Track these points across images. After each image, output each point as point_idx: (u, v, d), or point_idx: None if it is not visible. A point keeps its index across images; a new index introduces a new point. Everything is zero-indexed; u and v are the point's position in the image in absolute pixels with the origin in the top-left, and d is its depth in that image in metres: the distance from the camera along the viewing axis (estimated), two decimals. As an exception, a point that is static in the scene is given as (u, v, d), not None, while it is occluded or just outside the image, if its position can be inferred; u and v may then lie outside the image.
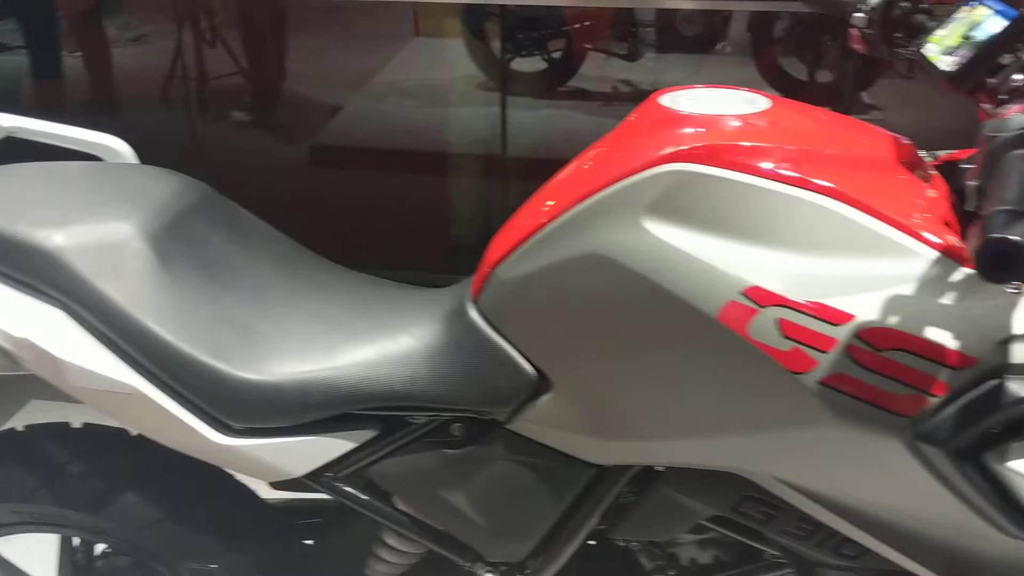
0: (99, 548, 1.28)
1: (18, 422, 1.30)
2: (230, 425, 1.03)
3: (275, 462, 1.05)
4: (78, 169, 1.21)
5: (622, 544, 1.14)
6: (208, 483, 1.21)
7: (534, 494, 1.05)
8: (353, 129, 4.51)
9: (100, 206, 1.09)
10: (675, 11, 4.24)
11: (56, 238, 1.02)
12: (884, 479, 0.87)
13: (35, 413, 1.33)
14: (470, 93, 5.27)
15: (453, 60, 5.52)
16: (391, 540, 1.14)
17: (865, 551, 0.96)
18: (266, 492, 1.24)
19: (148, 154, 1.35)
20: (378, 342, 1.05)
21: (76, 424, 1.23)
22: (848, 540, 0.96)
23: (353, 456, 1.07)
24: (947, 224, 0.87)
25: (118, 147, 1.30)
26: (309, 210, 3.52)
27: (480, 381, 1.01)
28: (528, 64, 4.79)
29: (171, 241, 1.06)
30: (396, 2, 5.25)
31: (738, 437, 0.91)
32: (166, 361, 1.01)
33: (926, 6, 1.04)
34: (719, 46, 4.36)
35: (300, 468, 1.06)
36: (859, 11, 1.09)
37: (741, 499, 0.99)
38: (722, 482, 0.98)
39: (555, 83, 4.86)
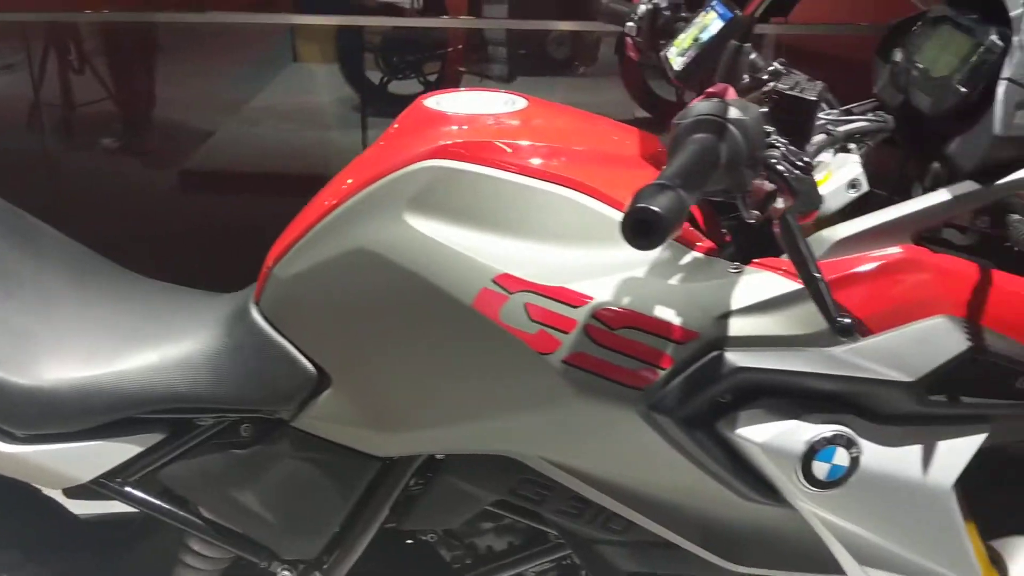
0: None
1: None
2: (12, 433, 1.03)
3: (61, 468, 1.05)
4: None
5: (421, 537, 1.17)
6: (9, 495, 1.19)
7: (323, 490, 1.07)
8: (225, 154, 4.46)
9: None
10: (547, 33, 4.36)
11: None
12: (628, 451, 0.92)
13: None
14: (346, 116, 5.28)
15: (330, 84, 5.53)
16: (194, 545, 1.14)
17: (630, 525, 1.01)
18: (80, 506, 1.24)
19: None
20: (161, 346, 1.06)
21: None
22: (615, 515, 1.01)
23: (141, 460, 1.07)
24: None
25: None
26: (177, 234, 3.47)
27: (262, 380, 1.03)
28: (405, 87, 4.84)
29: None
30: (275, 28, 5.24)
31: (502, 420, 0.96)
32: None
33: (684, 14, 1.12)
34: (589, 68, 4.49)
35: (86, 473, 1.06)
36: (631, 21, 1.16)
37: (517, 482, 1.03)
38: (499, 467, 1.02)
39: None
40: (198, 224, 3.88)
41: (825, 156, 0.91)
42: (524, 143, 0.96)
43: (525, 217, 0.92)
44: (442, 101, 1.04)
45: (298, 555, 1.11)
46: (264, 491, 1.07)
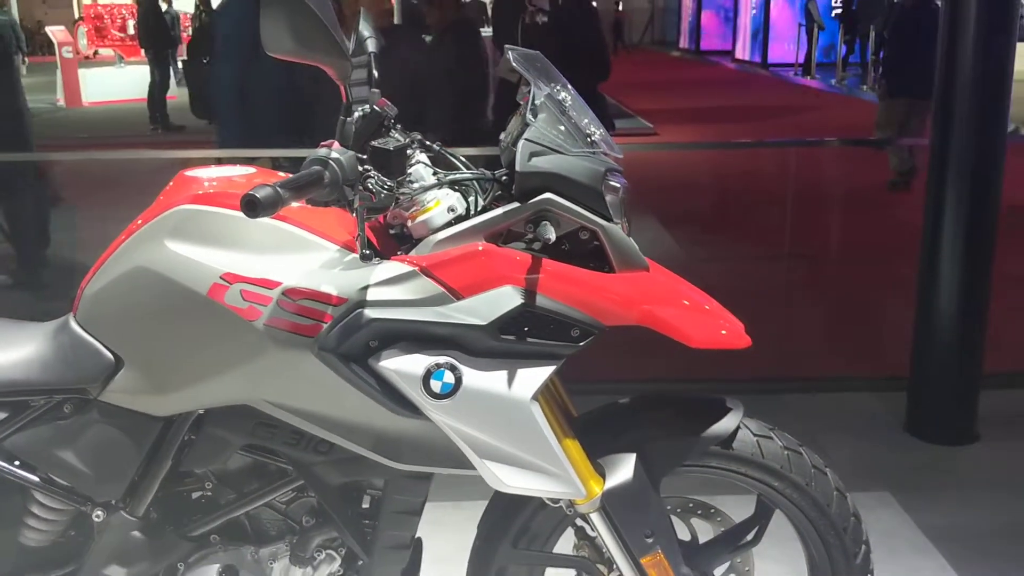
0: None
1: None
2: None
3: None
4: None
5: (199, 490, 1.60)
6: None
7: (124, 446, 1.51)
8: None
9: None
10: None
11: None
12: (313, 384, 1.40)
13: None
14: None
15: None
16: (39, 499, 1.55)
17: (332, 446, 1.48)
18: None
19: None
20: (5, 349, 1.52)
21: None
22: (320, 440, 1.48)
23: None
24: (351, 232, 1.45)
25: None
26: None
27: (77, 368, 1.49)
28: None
29: None
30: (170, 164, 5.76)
31: (231, 376, 1.43)
32: None
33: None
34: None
35: None
36: None
37: (254, 426, 1.49)
38: (241, 415, 1.48)
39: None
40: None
41: (439, 192, 1.45)
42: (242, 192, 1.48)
43: (240, 237, 1.43)
44: (198, 171, 1.56)
45: (106, 497, 1.54)
46: (82, 451, 1.51)
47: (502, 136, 1.59)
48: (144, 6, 11.84)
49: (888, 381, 3.63)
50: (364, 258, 1.38)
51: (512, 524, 1.63)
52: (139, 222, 1.49)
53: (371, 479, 1.55)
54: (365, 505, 1.61)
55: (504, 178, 1.48)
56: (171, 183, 1.57)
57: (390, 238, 1.51)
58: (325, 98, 3.68)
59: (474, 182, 1.48)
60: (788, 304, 4.29)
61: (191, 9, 14.14)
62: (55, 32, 14.26)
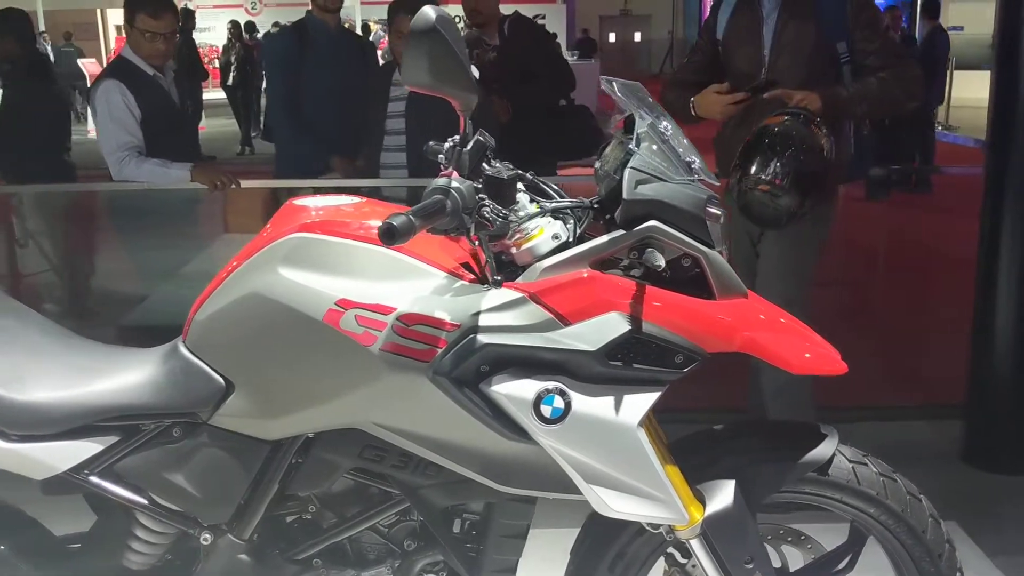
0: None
1: None
2: (9, 434, 1.49)
3: (44, 460, 1.50)
4: None
5: (304, 513, 1.62)
6: None
7: (232, 469, 1.54)
8: (158, 311, 4.91)
9: None
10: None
11: None
12: (425, 408, 1.42)
13: None
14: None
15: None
16: (143, 522, 1.58)
17: (440, 468, 1.50)
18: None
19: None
20: (117, 375, 1.55)
21: None
22: (428, 463, 1.49)
23: (102, 456, 1.53)
24: (458, 259, 1.48)
25: None
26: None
27: (187, 393, 1.52)
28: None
29: None
30: (212, 204, 5.83)
31: (345, 400, 1.46)
32: None
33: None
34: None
35: (64, 464, 1.51)
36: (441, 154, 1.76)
37: (362, 448, 1.51)
38: (349, 439, 1.51)
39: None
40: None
41: (542, 221, 1.48)
42: (355, 221, 1.51)
43: (353, 265, 1.46)
44: (305, 201, 1.59)
45: (216, 520, 1.56)
46: (190, 475, 1.54)
47: (596, 165, 1.62)
48: (180, 40, 12.05)
49: (940, 408, 3.61)
50: (495, 284, 1.40)
51: (608, 550, 1.64)
52: (248, 250, 1.53)
53: (471, 503, 1.57)
54: (456, 529, 1.62)
55: (596, 205, 1.52)
56: (279, 212, 1.60)
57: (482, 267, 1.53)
58: (370, 123, 3.79)
59: (571, 210, 1.52)
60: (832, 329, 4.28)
61: (214, 41, 14.37)
62: (87, 64, 14.51)
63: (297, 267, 1.46)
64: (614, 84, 1.54)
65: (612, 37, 28.49)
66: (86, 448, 1.52)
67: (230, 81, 12.86)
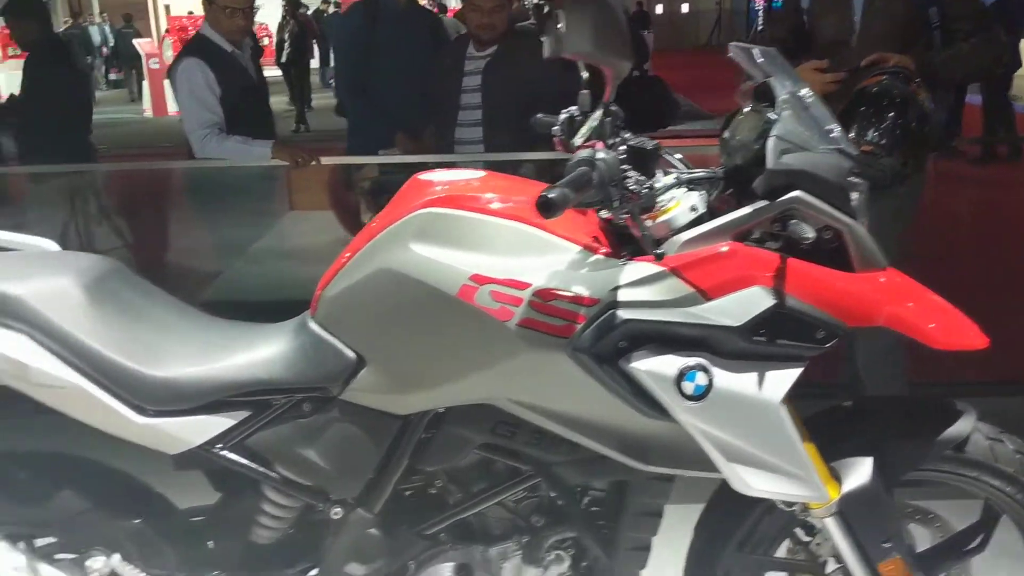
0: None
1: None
2: (145, 408, 1.50)
3: (179, 435, 1.51)
4: (23, 253, 1.71)
5: (430, 488, 1.62)
6: (116, 480, 1.65)
7: (362, 444, 1.53)
8: (233, 287, 4.97)
9: (45, 270, 1.58)
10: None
11: (18, 288, 1.51)
12: (562, 384, 1.40)
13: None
14: (337, 253, 5.87)
15: (323, 228, 6.15)
16: (272, 497, 1.58)
17: (574, 446, 1.48)
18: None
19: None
20: (247, 350, 1.55)
21: (20, 451, 1.67)
22: (562, 440, 1.48)
23: (234, 430, 1.53)
24: (588, 233, 1.46)
25: (49, 246, 1.79)
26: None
27: (317, 368, 1.51)
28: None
29: (95, 289, 1.55)
30: (273, 181, 5.87)
31: (479, 375, 1.44)
32: (98, 365, 1.48)
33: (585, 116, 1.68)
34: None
35: (197, 439, 1.52)
36: (556, 126, 1.73)
37: (495, 424, 1.50)
38: (481, 414, 1.49)
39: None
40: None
41: (676, 193, 1.44)
42: (484, 195, 1.49)
43: (486, 240, 1.44)
44: (430, 176, 1.57)
45: (345, 495, 1.56)
46: (320, 449, 1.53)
47: (726, 134, 1.57)
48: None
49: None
50: (658, 257, 1.37)
51: (738, 528, 1.62)
52: (376, 226, 1.51)
53: (606, 481, 1.55)
54: (587, 507, 1.60)
55: (724, 175, 1.48)
56: (405, 187, 1.59)
57: (614, 238, 1.51)
58: (442, 99, 3.77)
59: (703, 181, 1.48)
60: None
61: (264, 19, 14.39)
62: (142, 44, 14.66)
63: (429, 242, 1.45)
64: (753, 51, 1.49)
65: (659, 9, 28.10)
66: (218, 423, 1.52)
67: (284, 58, 12.92)
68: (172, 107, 13.88)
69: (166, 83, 13.94)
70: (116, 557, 1.52)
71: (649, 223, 1.42)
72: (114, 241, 5.17)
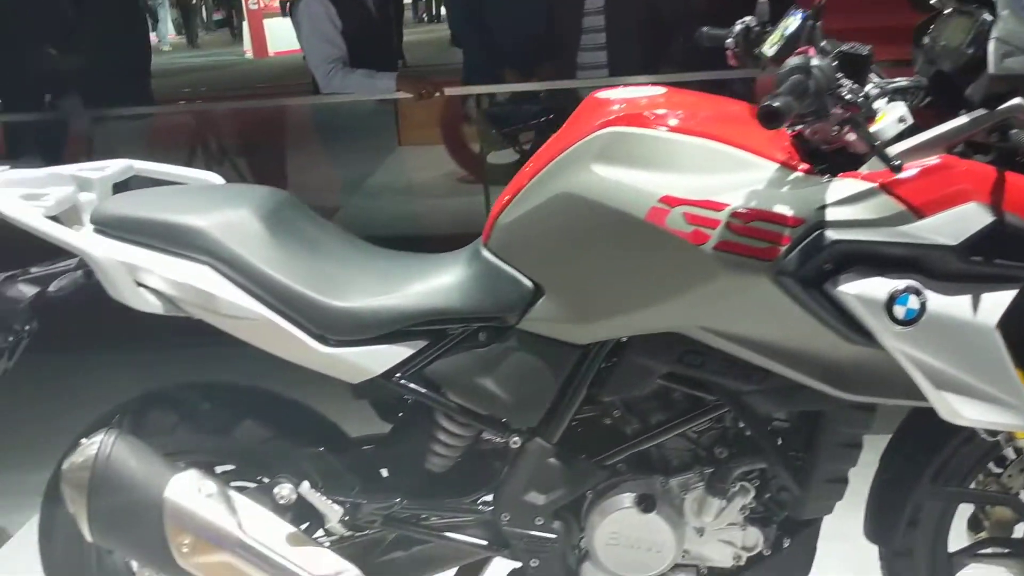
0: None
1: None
2: (327, 339, 1.50)
3: (360, 364, 1.50)
4: (195, 187, 1.72)
5: (607, 418, 1.58)
6: (292, 409, 1.67)
7: (541, 374, 1.50)
8: (351, 223, 5.02)
9: (222, 202, 1.58)
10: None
11: (200, 220, 1.51)
12: (762, 309, 1.34)
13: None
14: (452, 186, 5.87)
15: (433, 163, 6.14)
16: (445, 424, 1.58)
17: (768, 374, 1.41)
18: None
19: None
20: (424, 280, 1.52)
21: (202, 381, 1.70)
22: (756, 368, 1.41)
23: (412, 360, 1.52)
24: (784, 149, 1.37)
25: (214, 180, 1.80)
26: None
27: (494, 297, 1.48)
28: (502, 157, 5.41)
29: (273, 221, 1.55)
30: (381, 117, 5.87)
31: (669, 302, 1.38)
32: (282, 296, 1.48)
33: (768, 27, 1.58)
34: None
35: (378, 368, 1.51)
36: (729, 39, 1.63)
37: (682, 353, 1.44)
38: (668, 342, 1.44)
39: (528, 171, 5.46)
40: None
41: (880, 103, 1.34)
42: (668, 112, 1.41)
43: (675, 159, 1.37)
44: (609, 93, 1.50)
45: (524, 424, 1.54)
46: (498, 379, 1.51)
47: (925, 40, 1.45)
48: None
49: None
50: (895, 169, 1.26)
51: (933, 458, 1.54)
52: (552, 149, 1.45)
53: (798, 410, 1.48)
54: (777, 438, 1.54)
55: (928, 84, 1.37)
56: (581, 106, 1.52)
57: (806, 153, 1.41)
58: (558, 24, 3.66)
59: (909, 90, 1.37)
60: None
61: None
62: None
63: (613, 163, 1.38)
64: None
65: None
66: (397, 353, 1.51)
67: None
68: (272, 47, 14.02)
69: (266, 23, 14.10)
70: (305, 485, 1.53)
71: (850, 136, 1.33)
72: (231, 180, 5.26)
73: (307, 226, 1.62)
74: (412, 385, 1.54)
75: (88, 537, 1.52)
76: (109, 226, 1.53)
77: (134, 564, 1.76)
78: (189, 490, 1.50)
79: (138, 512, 1.49)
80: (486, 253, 1.50)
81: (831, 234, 1.28)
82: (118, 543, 1.54)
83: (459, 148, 5.86)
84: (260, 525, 1.53)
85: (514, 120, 5.45)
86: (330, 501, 1.55)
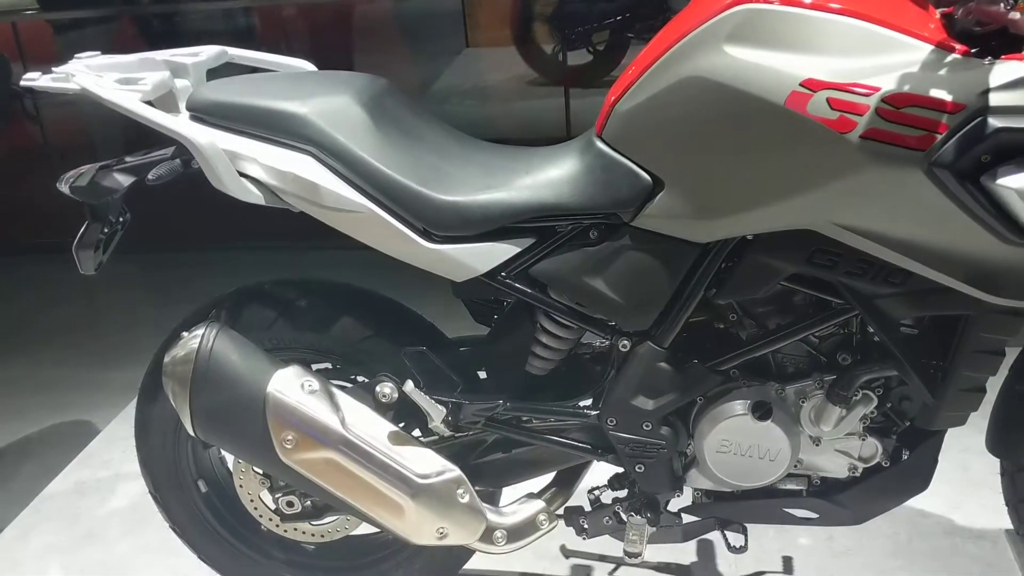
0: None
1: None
2: (433, 234, 1.42)
3: (466, 261, 1.43)
4: (292, 73, 1.65)
5: (722, 322, 1.50)
6: (390, 308, 1.62)
7: (655, 274, 1.42)
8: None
9: (322, 88, 1.50)
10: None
11: (302, 107, 1.43)
12: (911, 204, 1.23)
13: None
14: (523, 90, 5.71)
15: (502, 65, 5.97)
16: (549, 326, 1.51)
17: (908, 275, 1.31)
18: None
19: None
20: (531, 173, 1.44)
21: (297, 278, 1.65)
22: (896, 269, 1.31)
23: (518, 258, 1.44)
24: (935, 29, 1.23)
25: (308, 67, 1.72)
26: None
27: (608, 191, 1.39)
28: (574, 58, 5.22)
29: (374, 109, 1.47)
30: (448, 19, 5.70)
31: (804, 196, 1.28)
32: (387, 189, 1.41)
33: None
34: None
35: (483, 266, 1.44)
36: None
37: (812, 252, 1.34)
38: (796, 240, 1.34)
39: (602, 72, 5.28)
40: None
41: None
42: None
43: (817, 39, 1.24)
44: None
45: (634, 327, 1.47)
46: (609, 279, 1.43)
47: None
48: None
49: None
50: (982, 62, 1.15)
51: None
52: (678, 30, 1.33)
53: (938, 314, 1.38)
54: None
55: None
56: None
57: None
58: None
59: None
60: None
61: None
62: None
63: (748, 44, 1.26)
64: None
65: None
66: (504, 250, 1.44)
67: None
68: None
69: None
70: (409, 384, 1.49)
71: (1016, 15, 1.18)
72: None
73: (408, 116, 1.53)
74: (518, 285, 1.47)
75: (190, 431, 1.51)
76: (207, 113, 1.46)
77: (229, 459, 1.76)
78: (292, 385, 1.47)
79: (241, 406, 1.46)
80: (600, 144, 1.41)
81: (994, 121, 1.16)
82: (220, 438, 1.52)
83: (530, 49, 5.68)
84: (363, 423, 1.50)
85: (588, 19, 5.26)
86: (433, 400, 1.50)
